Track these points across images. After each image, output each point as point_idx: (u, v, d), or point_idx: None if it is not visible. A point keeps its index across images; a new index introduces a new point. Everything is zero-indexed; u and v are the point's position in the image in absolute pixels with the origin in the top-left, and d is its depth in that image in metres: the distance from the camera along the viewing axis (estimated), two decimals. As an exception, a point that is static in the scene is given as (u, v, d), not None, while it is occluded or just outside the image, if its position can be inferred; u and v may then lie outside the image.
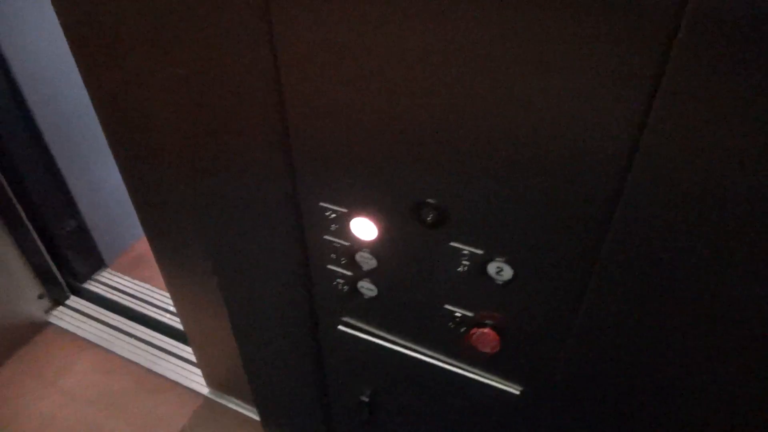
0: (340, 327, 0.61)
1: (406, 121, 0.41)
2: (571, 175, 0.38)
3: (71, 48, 0.66)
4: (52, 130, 1.32)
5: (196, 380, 1.35)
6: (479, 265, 0.47)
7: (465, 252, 0.47)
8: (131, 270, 1.63)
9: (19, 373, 1.40)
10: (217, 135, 0.51)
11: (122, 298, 1.54)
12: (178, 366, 1.39)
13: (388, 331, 0.59)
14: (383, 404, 0.68)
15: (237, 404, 1.29)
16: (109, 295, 1.55)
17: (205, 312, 0.96)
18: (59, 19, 0.65)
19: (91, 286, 1.57)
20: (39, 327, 1.49)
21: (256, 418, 1.17)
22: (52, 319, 1.51)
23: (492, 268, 0.47)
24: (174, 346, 1.42)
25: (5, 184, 1.28)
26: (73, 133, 1.38)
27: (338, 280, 0.57)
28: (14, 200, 1.31)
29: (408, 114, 0.40)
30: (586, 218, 0.40)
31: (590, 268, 0.42)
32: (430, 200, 0.45)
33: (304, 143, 0.47)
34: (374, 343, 0.60)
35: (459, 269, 0.48)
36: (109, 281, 1.60)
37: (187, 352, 1.39)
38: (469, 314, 0.52)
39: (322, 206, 0.51)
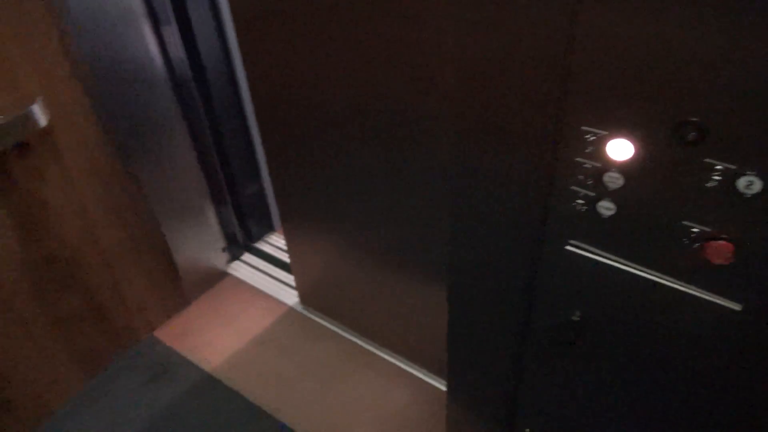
0: (568, 247, 0.71)
1: (678, 50, 0.51)
2: None
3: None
4: (248, 99, 1.52)
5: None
6: (729, 180, 0.55)
7: (718, 167, 0.55)
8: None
9: (204, 311, 1.61)
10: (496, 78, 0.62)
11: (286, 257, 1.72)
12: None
13: (615, 252, 0.68)
14: (590, 326, 0.77)
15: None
16: (276, 254, 1.74)
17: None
18: None
19: (262, 246, 1.77)
20: (221, 275, 1.69)
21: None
22: (231, 270, 1.71)
23: (742, 182, 0.55)
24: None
25: (212, 147, 1.49)
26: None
27: (578, 200, 0.67)
28: (217, 164, 1.52)
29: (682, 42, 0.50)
30: None
31: None
32: (692, 118, 0.54)
33: (585, 73, 0.57)
34: (599, 262, 0.69)
35: (708, 185, 0.57)
36: (276, 243, 1.79)
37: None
38: (707, 229, 0.60)
39: (583, 129, 0.61)
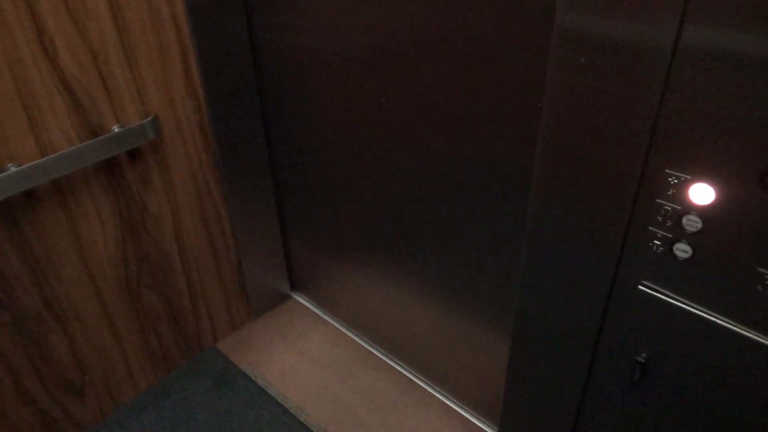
0: (641, 287, 0.75)
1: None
2: None
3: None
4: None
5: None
6: (808, 230, 0.58)
7: (798, 216, 0.59)
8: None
9: (268, 330, 1.67)
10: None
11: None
12: (398, 351, 1.56)
13: (687, 295, 0.71)
14: (656, 369, 0.79)
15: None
16: (340, 285, 1.80)
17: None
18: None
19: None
20: (284, 297, 1.77)
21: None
22: (294, 295, 1.79)
23: (821, 232, 0.58)
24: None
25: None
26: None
27: (655, 241, 0.71)
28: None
29: None
30: None
31: None
32: (778, 168, 0.58)
33: (674, 119, 0.63)
34: (670, 304, 0.72)
35: (786, 233, 0.60)
36: (340, 274, 1.85)
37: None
38: (783, 277, 0.62)
39: (667, 172, 0.66)
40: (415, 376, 1.51)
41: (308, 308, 1.74)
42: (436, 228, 1.23)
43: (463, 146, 1.08)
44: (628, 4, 0.61)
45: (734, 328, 0.68)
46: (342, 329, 1.66)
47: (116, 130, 1.16)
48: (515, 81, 0.94)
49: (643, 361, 0.78)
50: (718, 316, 0.69)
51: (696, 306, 0.71)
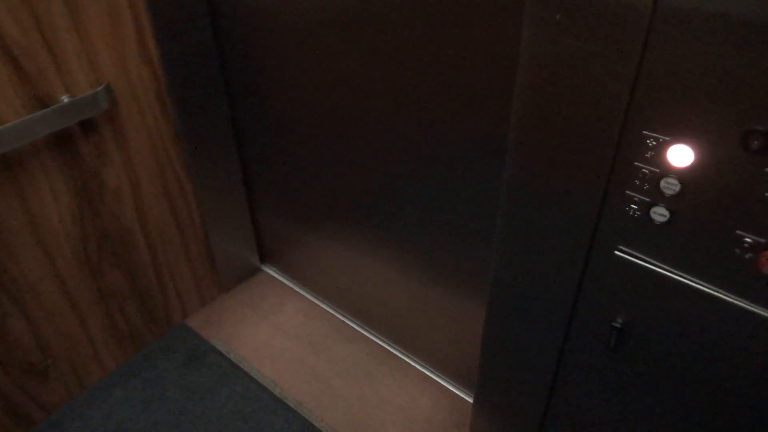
0: (617, 252, 0.73)
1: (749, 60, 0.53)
2: None
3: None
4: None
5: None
6: (788, 191, 0.57)
7: (778, 177, 0.57)
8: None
9: (238, 304, 1.64)
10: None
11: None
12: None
13: (664, 259, 0.70)
14: (632, 334, 0.78)
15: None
16: (311, 256, 1.76)
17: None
18: None
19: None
20: (254, 270, 1.73)
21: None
22: (264, 267, 1.75)
23: (801, 193, 0.56)
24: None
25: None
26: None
27: (632, 205, 0.69)
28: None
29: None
30: None
31: None
32: (759, 127, 0.56)
33: (654, 79, 0.60)
34: (647, 269, 0.71)
35: (766, 194, 0.58)
36: (312, 245, 1.82)
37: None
38: (761, 240, 0.61)
39: (645, 134, 0.63)
40: (391, 346, 1.50)
41: (279, 281, 1.71)
42: (409, 195, 1.20)
43: (436, 111, 1.04)
44: (606, -45, 0.57)
45: (711, 292, 0.67)
46: (315, 301, 1.64)
47: (66, 100, 1.09)
48: (489, 41, 0.90)
49: (619, 326, 0.77)
50: (695, 280, 0.68)
51: (673, 270, 0.70)
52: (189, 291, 1.56)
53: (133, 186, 1.29)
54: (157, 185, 1.34)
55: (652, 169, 0.65)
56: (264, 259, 1.75)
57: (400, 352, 1.49)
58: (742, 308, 0.66)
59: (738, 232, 0.62)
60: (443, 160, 1.09)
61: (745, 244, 0.62)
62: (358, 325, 1.56)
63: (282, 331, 1.56)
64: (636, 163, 0.66)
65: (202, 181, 1.44)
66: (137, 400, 1.39)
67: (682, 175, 0.63)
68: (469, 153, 1.04)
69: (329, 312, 1.60)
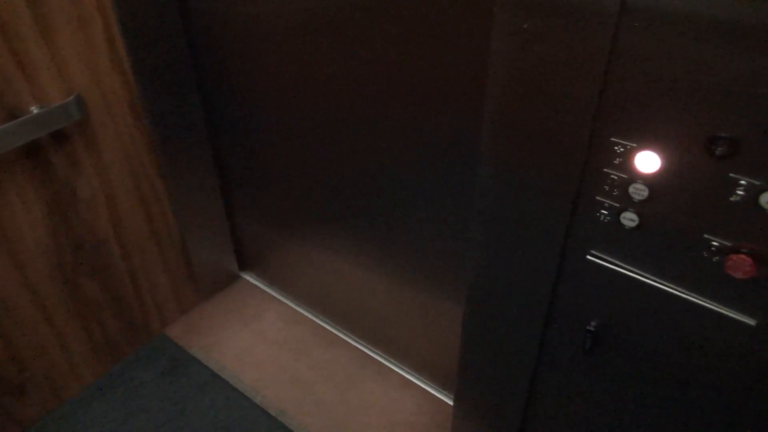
0: (589, 257, 0.74)
1: (713, 69, 0.54)
2: None
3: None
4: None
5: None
6: (752, 196, 0.58)
7: (742, 182, 0.58)
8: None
9: (218, 312, 1.63)
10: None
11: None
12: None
13: (635, 263, 0.71)
14: (607, 337, 0.79)
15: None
16: (291, 261, 1.76)
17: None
18: None
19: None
20: (234, 278, 1.72)
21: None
22: (243, 274, 1.74)
23: (765, 198, 0.57)
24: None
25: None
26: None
27: (602, 211, 0.70)
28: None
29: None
30: None
31: None
32: (723, 134, 0.57)
33: (621, 86, 0.61)
34: (618, 272, 0.72)
35: (731, 198, 0.59)
36: (292, 250, 1.81)
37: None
38: (728, 243, 0.62)
39: (613, 141, 0.64)
40: (372, 351, 1.50)
41: (259, 287, 1.70)
42: (386, 199, 1.20)
43: (411, 115, 1.05)
44: (570, -35, 0.58)
45: (682, 295, 0.68)
46: (295, 307, 1.63)
47: (35, 111, 1.07)
48: (461, 48, 0.91)
49: (593, 329, 0.78)
50: (665, 283, 0.69)
51: (643, 274, 0.71)
52: (167, 300, 1.55)
53: (107, 196, 1.28)
54: (132, 195, 1.33)
55: (620, 175, 0.66)
56: (243, 266, 1.74)
57: (382, 356, 1.49)
58: (711, 310, 0.67)
59: (705, 236, 0.63)
60: (421, 164, 1.09)
61: (713, 248, 0.63)
62: (339, 330, 1.56)
63: (262, 337, 1.55)
64: (605, 170, 0.67)
65: (178, 190, 1.42)
66: (117, 412, 1.38)
67: (650, 180, 0.64)
68: (447, 158, 1.04)
69: (310, 318, 1.60)
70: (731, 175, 0.58)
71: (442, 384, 1.41)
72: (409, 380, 1.43)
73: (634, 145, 0.63)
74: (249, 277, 1.73)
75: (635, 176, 0.65)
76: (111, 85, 1.19)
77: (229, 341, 1.54)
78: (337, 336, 1.55)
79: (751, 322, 0.65)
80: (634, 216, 0.67)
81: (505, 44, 0.67)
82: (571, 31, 0.61)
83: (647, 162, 0.63)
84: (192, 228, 1.51)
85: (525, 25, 0.63)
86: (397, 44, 0.98)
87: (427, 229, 1.17)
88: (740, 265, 0.62)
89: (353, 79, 1.08)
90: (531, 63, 0.66)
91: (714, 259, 0.64)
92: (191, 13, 1.26)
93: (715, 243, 0.63)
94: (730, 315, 0.66)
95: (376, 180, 1.19)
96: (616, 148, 0.65)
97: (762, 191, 0.57)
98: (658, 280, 0.70)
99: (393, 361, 1.47)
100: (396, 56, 1.00)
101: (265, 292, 1.69)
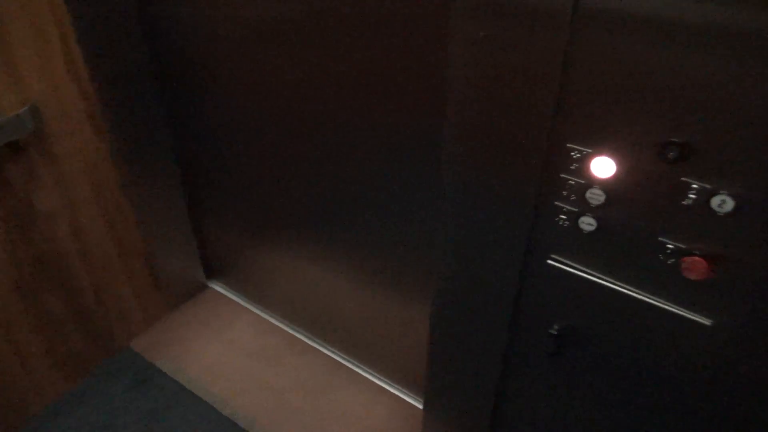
0: (549, 261, 0.74)
1: (665, 75, 0.55)
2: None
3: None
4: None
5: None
6: (704, 199, 0.59)
7: (694, 186, 0.59)
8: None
9: (186, 323, 1.60)
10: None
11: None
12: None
13: (594, 266, 0.72)
14: (570, 340, 0.80)
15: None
16: (261, 269, 1.74)
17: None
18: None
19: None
20: (201, 287, 1.70)
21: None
22: (210, 284, 1.72)
23: (715, 201, 0.59)
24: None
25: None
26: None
27: (561, 216, 0.70)
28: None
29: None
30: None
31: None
32: (675, 139, 0.58)
33: (576, 92, 0.61)
34: (578, 276, 0.73)
35: (684, 202, 0.60)
36: (261, 258, 1.79)
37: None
38: (682, 246, 0.63)
39: (569, 147, 0.65)
40: (343, 358, 1.49)
41: (227, 297, 1.68)
42: (353, 206, 1.20)
43: (377, 121, 1.04)
44: (522, -26, 0.59)
45: (640, 297, 0.69)
46: (265, 316, 1.61)
47: (-12, 122, 1.04)
48: (424, 54, 0.91)
49: (556, 333, 0.79)
50: (624, 285, 0.70)
51: (602, 277, 0.72)
52: (133, 312, 1.52)
53: (67, 209, 1.25)
54: (94, 206, 1.30)
55: (578, 180, 0.67)
56: (211, 275, 1.71)
57: (353, 363, 1.48)
58: (668, 311, 0.68)
59: (660, 239, 0.64)
60: (389, 172, 1.09)
61: (668, 251, 0.65)
62: (309, 338, 1.55)
63: (232, 347, 1.53)
64: (563, 175, 0.67)
65: (142, 200, 1.40)
66: (84, 428, 1.34)
67: (606, 185, 0.65)
68: (415, 165, 1.04)
69: (279, 326, 1.58)
70: (683, 179, 0.59)
71: (414, 389, 1.41)
72: (381, 386, 1.43)
73: (590, 150, 0.64)
74: (217, 287, 1.71)
75: (592, 181, 0.66)
76: (69, 96, 1.16)
77: (198, 352, 1.52)
78: (308, 344, 1.54)
79: (707, 322, 0.66)
80: (592, 220, 0.68)
81: (462, 51, 0.67)
82: (526, 36, 0.62)
83: (603, 167, 0.64)
84: (157, 238, 1.48)
85: (482, 33, 0.64)
86: (361, 50, 0.98)
87: (396, 235, 1.17)
88: (694, 267, 0.63)
89: (318, 86, 1.08)
90: (488, 69, 0.66)
91: (669, 262, 0.65)
92: (152, 21, 1.24)
93: (670, 246, 0.64)
94: (687, 315, 0.67)
95: (344, 187, 1.18)
96: (572, 153, 0.65)
97: (713, 194, 0.58)
98: (616, 282, 0.71)
99: (364, 367, 1.47)
100: (360, 62, 0.99)
101: (233, 301, 1.66)
